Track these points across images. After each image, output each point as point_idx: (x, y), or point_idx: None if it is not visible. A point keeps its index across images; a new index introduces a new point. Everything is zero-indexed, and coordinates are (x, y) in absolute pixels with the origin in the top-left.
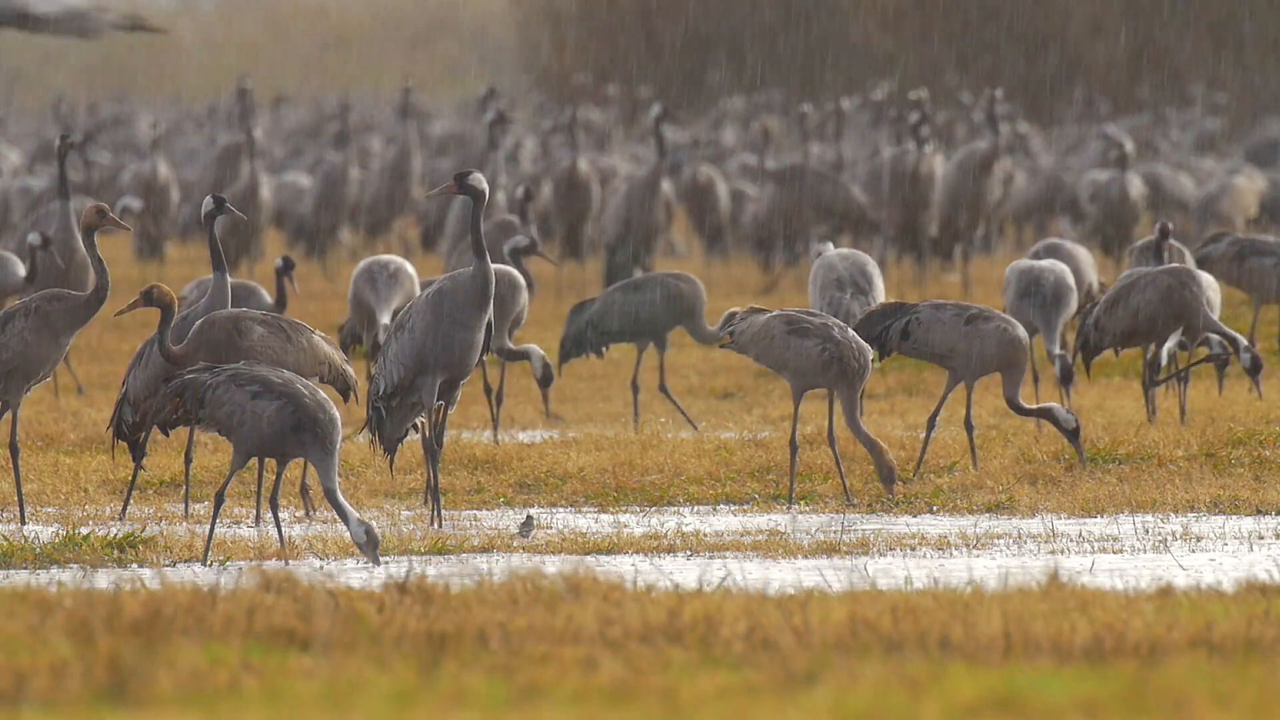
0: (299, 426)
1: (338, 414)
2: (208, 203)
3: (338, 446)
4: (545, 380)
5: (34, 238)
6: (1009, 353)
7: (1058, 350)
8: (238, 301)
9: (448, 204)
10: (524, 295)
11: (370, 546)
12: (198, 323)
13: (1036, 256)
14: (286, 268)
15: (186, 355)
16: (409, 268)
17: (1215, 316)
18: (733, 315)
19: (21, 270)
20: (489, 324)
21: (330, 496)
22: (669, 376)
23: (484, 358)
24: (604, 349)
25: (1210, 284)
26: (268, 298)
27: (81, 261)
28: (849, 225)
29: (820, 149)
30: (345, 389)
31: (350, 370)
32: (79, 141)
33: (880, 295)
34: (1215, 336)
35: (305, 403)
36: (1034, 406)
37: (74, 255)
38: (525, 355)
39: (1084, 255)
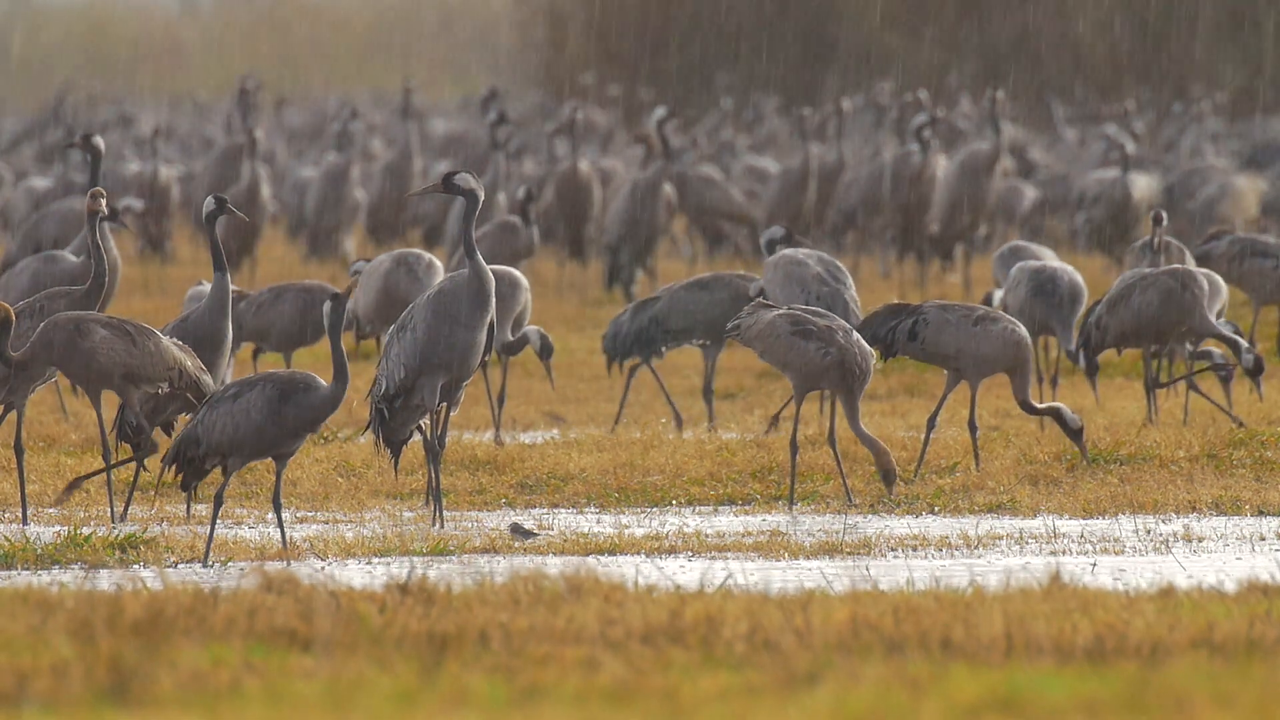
0: (283, 396)
1: (322, 383)
2: (209, 203)
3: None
4: (545, 351)
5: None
6: (1015, 353)
7: (1073, 343)
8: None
9: (449, 205)
10: (524, 294)
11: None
12: (41, 324)
13: (1002, 259)
14: None
15: (27, 358)
16: (438, 260)
17: (1223, 317)
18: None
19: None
20: (491, 324)
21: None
22: (671, 377)
23: (487, 358)
24: (663, 350)
25: (1217, 285)
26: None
27: (114, 263)
28: (733, 226)
29: (821, 150)
30: (199, 397)
31: (208, 379)
32: (87, 138)
33: (853, 293)
34: (1217, 350)
35: (281, 374)
36: (1044, 406)
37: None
38: (524, 339)
39: (1050, 256)
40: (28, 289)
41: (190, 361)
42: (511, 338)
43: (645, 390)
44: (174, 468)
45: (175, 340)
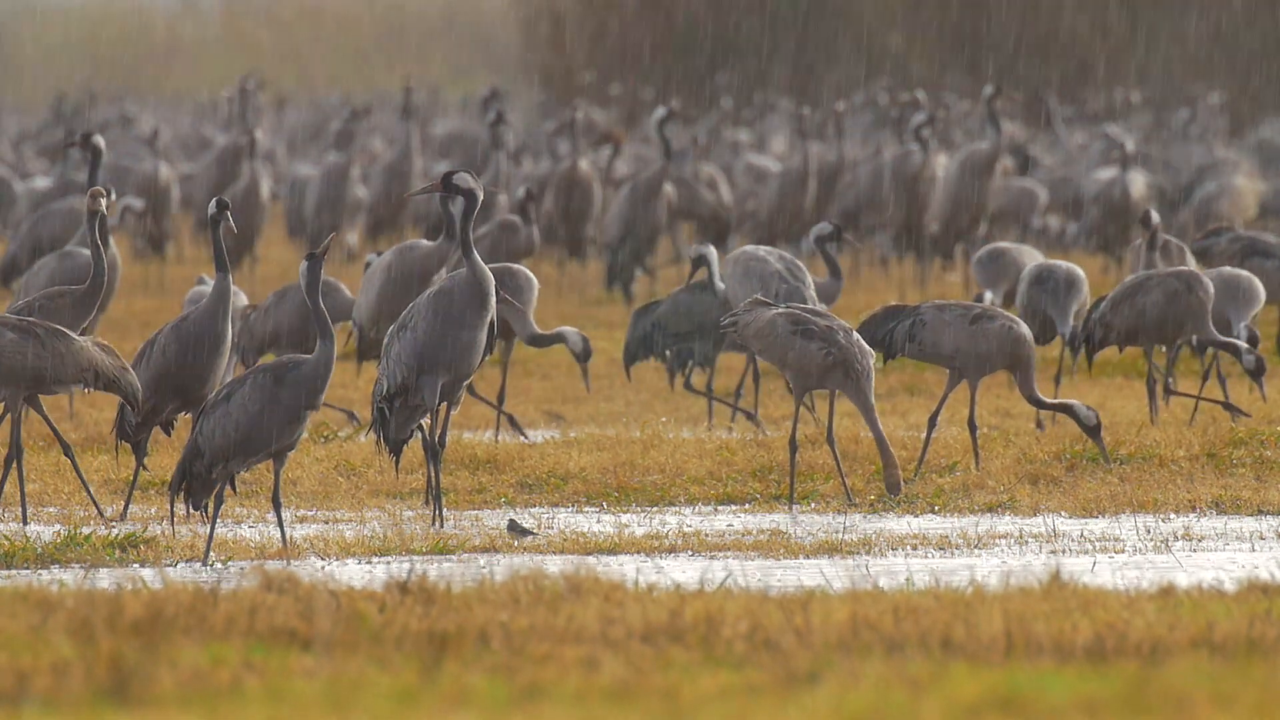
0: (277, 380)
1: (308, 357)
2: (213, 205)
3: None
4: (585, 355)
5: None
6: (1015, 350)
7: (1069, 329)
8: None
9: (450, 206)
10: (535, 291)
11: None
12: None
13: (980, 262)
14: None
15: None
16: None
17: (1247, 318)
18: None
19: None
20: (491, 323)
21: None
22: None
23: (487, 357)
24: (667, 352)
25: (1254, 290)
26: (348, 294)
27: (114, 262)
28: (710, 226)
29: (822, 149)
30: (125, 394)
31: (130, 377)
32: (87, 137)
33: (813, 292)
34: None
35: (266, 364)
36: (1055, 401)
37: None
38: (560, 337)
39: (1031, 254)
40: (45, 287)
41: (109, 360)
42: (540, 330)
43: (645, 390)
44: (183, 488)
45: (96, 341)
